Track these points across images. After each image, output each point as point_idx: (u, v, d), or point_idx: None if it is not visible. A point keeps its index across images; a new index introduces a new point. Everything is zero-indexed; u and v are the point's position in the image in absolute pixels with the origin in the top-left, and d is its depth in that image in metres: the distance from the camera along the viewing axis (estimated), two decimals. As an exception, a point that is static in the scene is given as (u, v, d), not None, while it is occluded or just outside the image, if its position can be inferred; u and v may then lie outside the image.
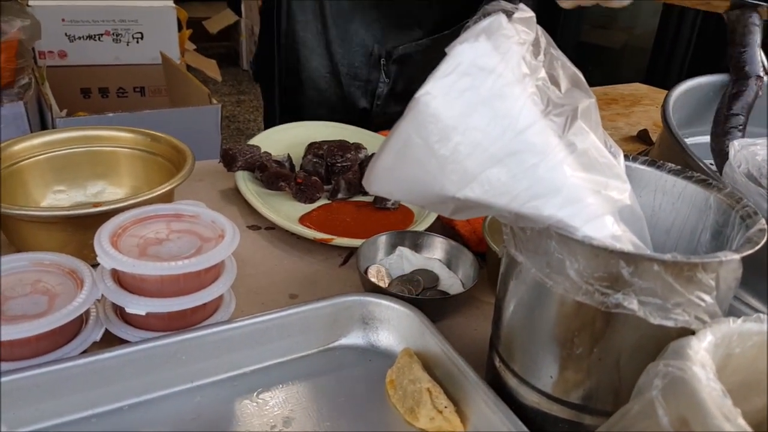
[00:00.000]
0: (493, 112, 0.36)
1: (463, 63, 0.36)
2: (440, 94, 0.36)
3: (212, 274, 0.51)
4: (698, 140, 0.77)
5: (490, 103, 0.36)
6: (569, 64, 0.42)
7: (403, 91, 0.96)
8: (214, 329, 0.48)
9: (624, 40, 2.51)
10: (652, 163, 0.46)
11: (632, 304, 0.35)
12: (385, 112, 0.97)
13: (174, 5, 2.05)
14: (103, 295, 0.48)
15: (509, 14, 0.40)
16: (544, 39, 0.41)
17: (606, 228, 0.36)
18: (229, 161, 0.76)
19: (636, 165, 0.47)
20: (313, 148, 0.79)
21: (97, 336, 0.48)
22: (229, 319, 0.52)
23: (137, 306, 0.48)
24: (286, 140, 0.84)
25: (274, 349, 0.49)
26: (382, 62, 0.93)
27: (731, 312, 0.49)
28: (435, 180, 0.38)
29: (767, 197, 0.48)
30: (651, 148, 0.72)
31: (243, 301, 0.58)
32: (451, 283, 0.61)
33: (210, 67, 2.14)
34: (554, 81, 0.40)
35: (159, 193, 0.59)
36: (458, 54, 0.36)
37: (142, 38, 2.02)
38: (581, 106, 0.37)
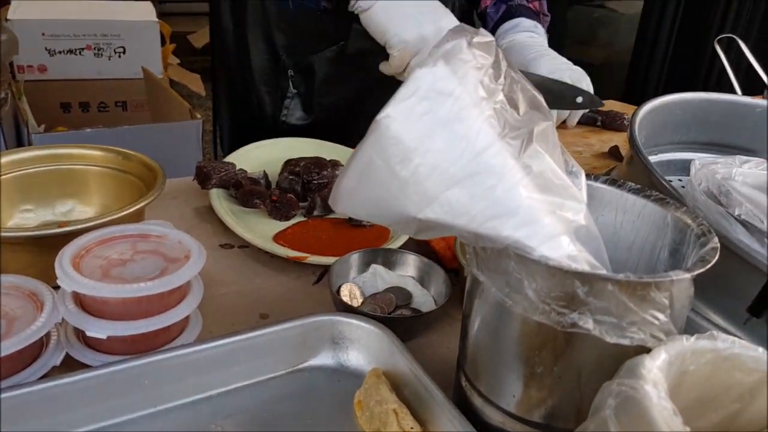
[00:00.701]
0: (451, 134, 0.37)
1: (422, 87, 0.37)
2: (400, 117, 0.37)
3: (177, 295, 0.51)
4: (666, 157, 0.79)
5: (448, 126, 0.37)
6: (529, 86, 0.43)
7: (308, 102, 0.97)
8: (178, 352, 0.47)
9: (605, 56, 2.56)
10: (612, 182, 0.47)
11: (587, 324, 0.36)
12: (289, 122, 0.97)
13: (157, 20, 2.06)
14: (63, 318, 0.47)
15: (470, 38, 0.41)
16: (505, 62, 0.42)
17: (562, 248, 0.37)
18: (203, 179, 0.76)
19: (597, 184, 0.47)
20: (289, 165, 0.80)
21: (57, 360, 0.47)
22: (195, 341, 0.52)
23: (98, 329, 0.47)
24: (263, 157, 0.84)
25: (240, 371, 0.49)
26: (289, 72, 0.94)
27: (692, 328, 0.51)
28: (397, 201, 0.38)
29: (726, 215, 0.49)
30: (619, 165, 0.73)
31: (212, 322, 0.57)
32: (424, 300, 0.61)
33: (193, 82, 2.14)
34: (513, 104, 0.40)
35: (126, 213, 0.59)
36: (417, 78, 0.37)
37: (124, 53, 2.02)
38: (537, 128, 0.38)
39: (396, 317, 0.56)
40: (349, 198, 0.40)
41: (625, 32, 2.35)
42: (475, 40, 0.40)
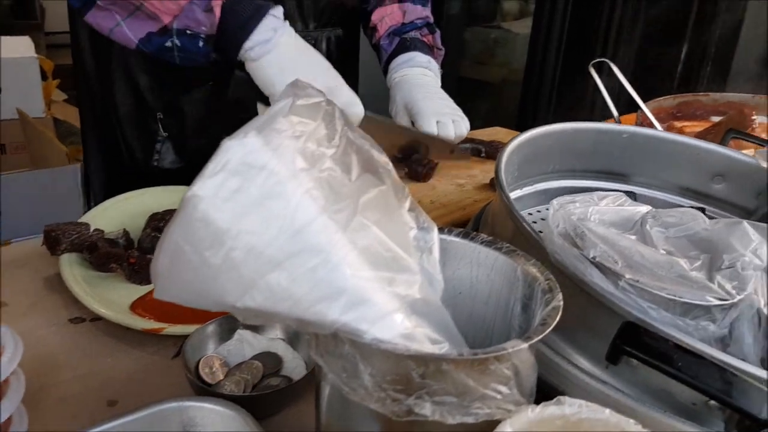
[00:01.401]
0: (267, 212, 0.33)
1: (232, 161, 0.33)
2: (208, 196, 0.33)
3: (-9, 399, 0.44)
4: (542, 186, 0.80)
5: (263, 203, 0.33)
6: (368, 146, 0.40)
7: (180, 145, 0.92)
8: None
9: (503, 75, 2.66)
10: (465, 235, 0.46)
11: (425, 409, 0.33)
12: (162, 167, 0.92)
13: (36, 56, 1.91)
14: None
15: (293, 101, 0.37)
16: (342, 121, 0.40)
17: (396, 327, 0.34)
18: (53, 243, 0.68)
19: (451, 237, 0.46)
20: (154, 220, 0.73)
21: None
22: None
23: None
24: (126, 212, 0.78)
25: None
26: (158, 115, 0.89)
27: (559, 374, 0.50)
28: (212, 290, 0.34)
29: (581, 258, 0.49)
30: (493, 200, 0.73)
31: (49, 416, 0.50)
32: (295, 365, 0.57)
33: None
34: (346, 167, 0.38)
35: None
36: (226, 151, 0.34)
37: (0, 92, 1.86)
38: (365, 197, 0.35)
39: (255, 395, 0.52)
40: (164, 284, 0.36)
41: (520, 52, 2.45)
42: (300, 102, 0.37)
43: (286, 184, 0.34)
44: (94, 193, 1.02)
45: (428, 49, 0.98)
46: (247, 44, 0.66)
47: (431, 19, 1.01)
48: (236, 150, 0.33)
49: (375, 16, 0.99)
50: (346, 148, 0.39)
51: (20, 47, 1.92)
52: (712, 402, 0.44)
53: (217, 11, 0.64)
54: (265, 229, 0.33)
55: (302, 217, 0.34)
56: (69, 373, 0.56)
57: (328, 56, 0.82)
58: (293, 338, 0.58)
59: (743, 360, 0.44)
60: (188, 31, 0.66)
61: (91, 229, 0.71)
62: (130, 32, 0.66)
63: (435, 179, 0.91)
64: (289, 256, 0.33)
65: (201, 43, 0.67)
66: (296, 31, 0.76)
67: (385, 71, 0.98)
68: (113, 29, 0.66)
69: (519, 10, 2.67)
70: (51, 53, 2.70)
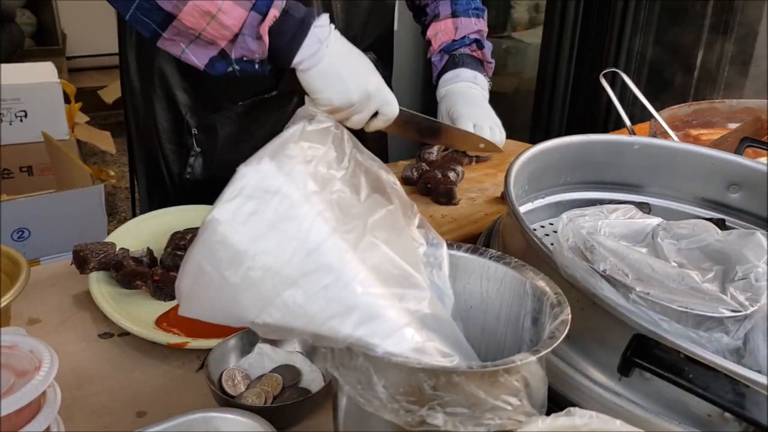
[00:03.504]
0: (281, 234, 0.35)
1: (248, 186, 0.35)
2: (227, 219, 0.35)
3: (28, 412, 0.46)
4: (554, 199, 0.80)
5: (277, 226, 0.35)
6: (375, 167, 0.42)
7: (210, 160, 0.95)
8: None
9: (515, 85, 2.66)
10: (474, 251, 0.47)
11: (437, 420, 0.34)
12: (197, 180, 0.96)
13: (59, 80, 1.98)
14: None
15: (304, 126, 0.39)
16: (350, 144, 0.42)
17: (406, 341, 0.35)
18: (81, 263, 0.71)
19: (460, 253, 0.47)
20: (175, 239, 0.76)
21: None
22: None
23: None
24: (149, 231, 0.80)
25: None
26: (192, 131, 0.92)
27: (571, 385, 0.50)
28: (232, 307, 0.36)
29: (591, 272, 0.50)
30: (503, 215, 0.74)
31: (82, 426, 0.53)
32: (313, 377, 0.58)
33: (102, 140, 2.06)
34: (355, 189, 0.39)
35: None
36: (242, 177, 0.36)
37: (26, 116, 1.93)
38: (373, 218, 0.37)
39: (275, 406, 0.53)
40: (188, 302, 0.38)
41: (532, 62, 2.45)
42: (310, 128, 0.39)
43: (299, 207, 0.36)
44: (141, 202, 1.06)
45: (477, 64, 1.00)
46: (296, 60, 0.69)
47: (484, 32, 1.02)
48: (251, 176, 0.35)
49: (430, 32, 1.02)
50: (355, 169, 0.41)
51: (44, 73, 1.99)
52: (728, 414, 0.44)
53: (266, 38, 0.67)
54: (280, 250, 0.35)
55: (315, 237, 0.35)
56: (99, 386, 0.58)
57: None
58: (311, 351, 0.60)
59: (758, 371, 0.45)
60: (244, 58, 0.69)
61: (117, 249, 0.73)
62: (194, 58, 0.70)
63: (447, 193, 0.92)
64: (304, 275, 0.35)
65: (257, 66, 0.71)
66: None
67: (435, 87, 1.01)
68: (181, 55, 0.70)
69: (529, 19, 2.67)
70: (72, 77, 2.78)
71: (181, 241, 0.75)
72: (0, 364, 0.49)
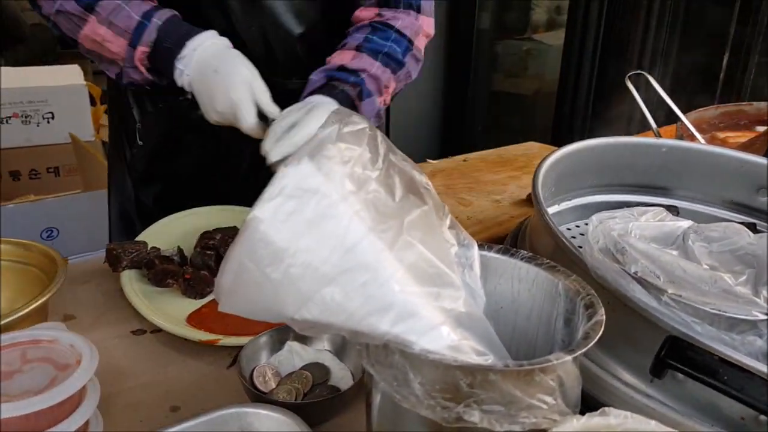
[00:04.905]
0: (321, 232, 0.36)
1: (289, 185, 0.36)
2: (268, 218, 0.36)
3: (68, 405, 0.48)
4: (580, 201, 0.80)
5: (317, 224, 0.36)
6: (409, 168, 0.42)
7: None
8: (74, 464, 0.44)
9: (536, 87, 2.65)
10: (506, 252, 0.47)
11: (473, 417, 0.35)
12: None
13: (85, 83, 2.02)
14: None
15: (340, 128, 0.40)
16: (384, 146, 0.42)
17: (443, 339, 0.36)
18: (114, 261, 0.73)
19: (491, 254, 0.47)
20: (204, 238, 0.77)
21: None
22: None
23: None
24: (179, 231, 0.82)
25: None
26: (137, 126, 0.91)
27: (601, 387, 0.51)
28: (272, 302, 0.37)
29: (623, 274, 0.50)
30: (531, 216, 0.74)
31: (118, 420, 0.54)
32: (342, 375, 0.59)
33: (127, 142, 2.10)
34: (389, 189, 0.40)
35: (20, 315, 0.56)
36: (283, 177, 0.37)
37: (53, 118, 1.97)
38: (409, 218, 0.38)
39: (306, 403, 0.54)
40: (229, 298, 0.39)
41: (553, 64, 2.44)
42: (346, 130, 0.40)
43: (337, 207, 0.36)
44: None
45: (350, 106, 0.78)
46: (179, 85, 0.73)
47: (382, 84, 0.81)
48: (292, 176, 0.36)
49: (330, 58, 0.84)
50: (389, 170, 0.41)
51: (70, 75, 2.03)
52: (762, 417, 0.44)
53: (142, 68, 0.73)
54: (319, 248, 0.36)
55: (353, 236, 0.36)
56: (134, 381, 0.60)
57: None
58: (340, 350, 0.61)
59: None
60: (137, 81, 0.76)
61: (149, 248, 0.75)
62: (107, 71, 0.78)
63: (471, 195, 0.92)
64: (342, 273, 0.36)
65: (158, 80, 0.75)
66: (277, 80, 0.76)
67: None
68: (100, 66, 0.78)
69: (548, 21, 2.66)
70: (96, 80, 2.83)
71: (210, 241, 0.76)
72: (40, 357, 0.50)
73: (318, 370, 0.59)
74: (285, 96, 0.73)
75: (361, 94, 0.79)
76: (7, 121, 1.90)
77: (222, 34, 0.74)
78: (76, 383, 0.47)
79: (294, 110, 0.68)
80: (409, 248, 0.36)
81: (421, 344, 0.35)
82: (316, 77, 0.80)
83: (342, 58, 0.81)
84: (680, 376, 0.46)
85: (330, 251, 0.36)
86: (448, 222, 0.44)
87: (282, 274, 0.36)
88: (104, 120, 2.27)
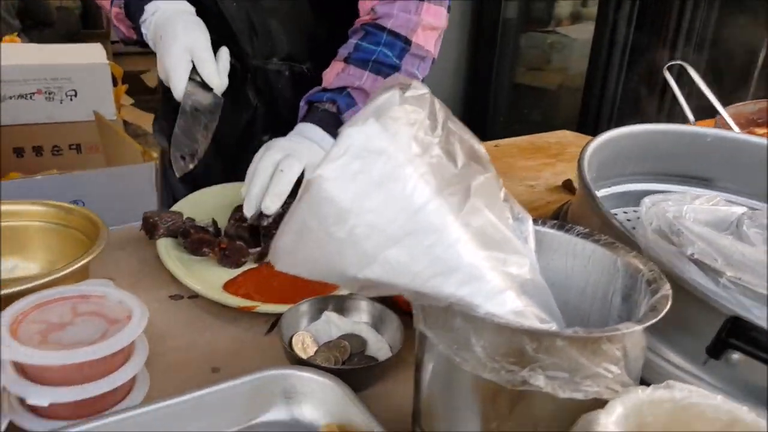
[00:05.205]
0: (386, 193, 0.35)
1: (354, 145, 0.36)
2: (333, 177, 0.35)
3: (120, 357, 0.48)
4: (620, 189, 0.79)
5: (382, 185, 0.35)
6: (467, 136, 0.42)
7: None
8: (122, 415, 0.45)
9: (559, 81, 2.62)
10: (561, 227, 0.47)
11: (539, 381, 0.34)
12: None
13: (108, 62, 2.03)
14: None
15: (404, 90, 0.40)
16: (443, 113, 0.42)
17: (508, 304, 0.35)
18: (150, 229, 0.73)
19: (546, 229, 0.47)
20: (238, 210, 0.77)
21: (2, 427, 0.46)
22: (142, 402, 0.50)
23: (39, 397, 0.46)
24: (212, 203, 0.82)
25: (192, 430, 0.46)
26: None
27: (652, 369, 0.50)
28: (335, 261, 0.36)
29: (679, 255, 0.49)
30: (572, 201, 0.73)
31: (161, 380, 0.54)
32: (379, 347, 0.59)
33: (147, 122, 2.10)
34: (451, 156, 0.39)
35: (66, 272, 0.56)
36: (348, 136, 0.36)
37: (76, 95, 1.98)
38: (475, 183, 0.37)
39: (349, 368, 0.54)
40: (288, 257, 0.38)
41: (578, 57, 2.41)
42: (408, 94, 0.39)
43: (403, 168, 0.36)
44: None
45: (334, 121, 0.78)
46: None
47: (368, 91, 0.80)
48: (357, 136, 0.36)
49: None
50: (448, 137, 0.41)
51: (94, 54, 2.05)
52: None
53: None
54: (384, 209, 0.35)
55: (419, 199, 0.35)
56: (173, 342, 0.60)
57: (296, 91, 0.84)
58: (378, 322, 0.60)
59: None
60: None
61: (184, 218, 0.75)
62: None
63: (504, 179, 0.90)
64: (407, 234, 0.35)
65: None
66: (259, 63, 0.85)
67: None
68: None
69: (571, 13, 2.63)
70: (116, 61, 2.85)
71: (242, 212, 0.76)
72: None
73: (355, 340, 0.59)
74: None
75: (340, 107, 0.78)
76: (30, 97, 1.92)
77: (206, 9, 0.78)
78: (131, 334, 0.47)
79: (260, 171, 0.71)
80: (476, 213, 0.36)
81: (486, 308, 0.35)
82: (302, 104, 0.82)
83: (327, 78, 0.81)
84: (733, 359, 0.45)
85: (395, 213, 0.35)
86: (502, 195, 0.44)
87: (347, 234, 0.35)
88: (125, 100, 2.28)
